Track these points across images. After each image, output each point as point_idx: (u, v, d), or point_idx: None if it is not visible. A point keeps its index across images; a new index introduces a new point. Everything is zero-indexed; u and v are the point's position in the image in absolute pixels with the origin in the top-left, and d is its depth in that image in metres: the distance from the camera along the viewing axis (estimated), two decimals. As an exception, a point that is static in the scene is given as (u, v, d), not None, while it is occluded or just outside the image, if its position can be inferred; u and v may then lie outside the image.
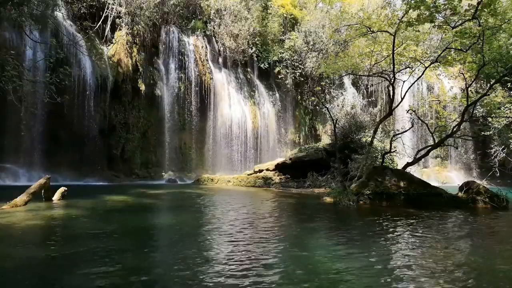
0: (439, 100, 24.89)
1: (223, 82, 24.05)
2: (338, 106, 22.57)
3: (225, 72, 24.66)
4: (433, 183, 13.26)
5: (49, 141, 16.66)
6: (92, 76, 18.09)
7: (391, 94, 13.79)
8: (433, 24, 11.89)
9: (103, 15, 19.39)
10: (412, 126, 14.70)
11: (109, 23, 19.77)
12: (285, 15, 27.33)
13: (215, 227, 6.54)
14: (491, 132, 20.23)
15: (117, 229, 6.05)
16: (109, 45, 19.98)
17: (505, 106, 17.99)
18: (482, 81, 19.21)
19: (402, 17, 11.66)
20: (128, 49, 20.31)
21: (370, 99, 27.67)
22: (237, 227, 6.35)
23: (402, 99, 13.59)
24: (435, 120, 19.32)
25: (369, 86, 29.11)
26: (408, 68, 14.37)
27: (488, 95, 14.07)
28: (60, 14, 17.78)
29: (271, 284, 3.40)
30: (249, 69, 26.60)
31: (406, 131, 14.46)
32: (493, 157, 22.06)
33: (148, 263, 4.08)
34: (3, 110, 14.89)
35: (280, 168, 18.26)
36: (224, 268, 3.88)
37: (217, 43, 24.63)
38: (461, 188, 10.48)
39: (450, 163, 27.77)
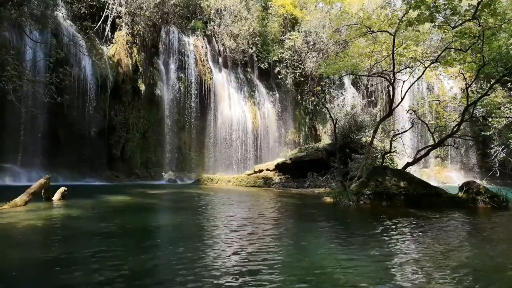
0: (439, 100, 24.88)
1: (223, 82, 24.05)
2: (338, 106, 22.58)
3: (225, 72, 24.66)
4: (433, 183, 13.27)
5: (49, 141, 16.65)
6: (92, 76, 18.09)
7: (391, 94, 13.79)
8: (433, 24, 11.90)
9: (103, 15, 19.40)
10: (412, 126, 14.70)
11: (109, 23, 19.78)
12: (285, 15, 27.33)
13: (215, 227, 6.54)
14: (491, 132, 20.26)
15: (117, 229, 6.05)
16: (109, 45, 19.99)
17: (505, 106, 18.01)
18: (482, 81, 19.20)
19: (402, 17, 11.67)
20: (128, 49, 20.32)
21: (370, 99, 27.67)
22: (237, 227, 6.35)
23: (402, 99, 13.59)
24: (435, 120, 19.31)
25: (369, 86, 29.11)
26: (408, 68, 14.38)
27: (488, 95, 14.08)
28: (60, 14, 17.79)
29: (271, 284, 3.40)
30: (249, 69, 26.60)
31: (406, 131, 14.47)
32: (493, 157, 22.07)
33: (148, 263, 4.08)
34: (3, 110, 14.90)
35: (280, 168, 18.27)
36: (224, 268, 3.88)
37: (217, 43, 24.64)
38: (461, 188, 10.47)
39: (450, 163, 27.76)
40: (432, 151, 15.18)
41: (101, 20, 19.35)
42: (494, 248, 5.18)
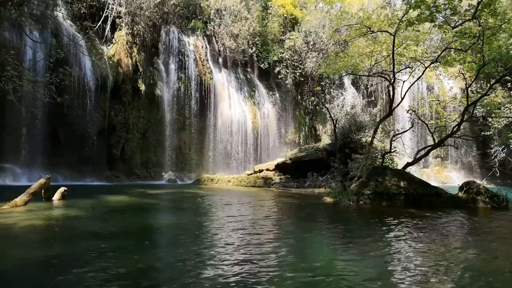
0: (439, 100, 24.88)
1: (223, 82, 24.05)
2: (338, 106, 22.56)
3: (225, 72, 24.66)
4: (433, 183, 13.26)
5: (49, 141, 16.65)
6: (92, 76, 18.08)
7: (391, 94, 13.79)
8: (433, 24, 11.90)
9: (103, 15, 19.39)
10: (412, 126, 14.70)
11: (109, 23, 19.77)
12: (285, 15, 27.33)
13: (215, 227, 6.54)
14: (491, 132, 20.27)
15: (117, 229, 6.05)
16: (109, 45, 19.98)
17: (505, 106, 18.02)
18: (482, 81, 19.21)
19: (402, 17, 11.67)
20: (128, 49, 20.31)
21: (370, 99, 27.66)
22: (238, 227, 6.35)
23: (402, 99, 13.59)
24: (435, 120, 19.32)
25: (369, 86, 29.11)
26: (408, 68, 14.38)
27: (488, 95, 14.08)
28: (60, 14, 17.78)
29: (271, 284, 3.40)
30: (249, 69, 26.60)
31: (406, 131, 14.47)
32: (493, 157, 22.07)
33: (148, 263, 4.08)
34: (3, 110, 14.89)
35: (280, 168, 18.27)
36: (224, 268, 3.88)
37: (217, 43, 24.64)
38: (461, 188, 10.47)
39: (450, 163, 27.76)
40: (432, 151, 15.19)
41: (101, 20, 19.34)
42: (495, 249, 5.18)
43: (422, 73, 13.95)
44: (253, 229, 6.24)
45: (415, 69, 14.57)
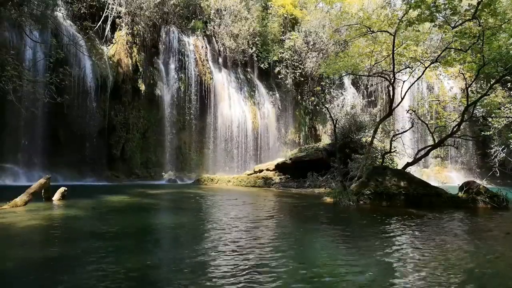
0: (439, 100, 24.88)
1: (223, 82, 24.05)
2: (338, 106, 22.57)
3: (225, 72, 24.66)
4: (433, 183, 13.26)
5: (49, 141, 16.65)
6: (92, 76, 18.09)
7: (391, 94, 13.79)
8: (433, 24, 11.90)
9: (103, 15, 19.39)
10: (412, 126, 14.69)
11: (109, 23, 19.77)
12: (285, 15, 27.33)
13: (215, 227, 6.54)
14: (491, 132, 20.29)
15: (117, 229, 6.04)
16: (109, 45, 19.98)
17: (505, 106, 18.03)
18: (482, 81, 19.22)
19: (402, 17, 11.67)
20: (128, 49, 20.31)
21: (370, 99, 27.66)
22: (238, 228, 6.34)
23: (402, 99, 13.59)
24: (435, 120, 19.32)
25: (369, 86, 29.11)
26: (408, 68, 14.38)
27: (488, 95, 14.09)
28: (60, 14, 17.78)
29: (271, 285, 3.40)
30: (249, 69, 26.60)
31: (406, 131, 14.47)
32: (493, 157, 22.09)
33: (148, 264, 4.08)
34: (3, 110, 14.89)
35: (280, 168, 18.27)
36: (224, 269, 3.88)
37: (217, 43, 24.64)
38: (461, 188, 10.47)
39: (450, 163, 27.76)
40: (432, 151, 15.18)
41: (101, 20, 19.34)
42: (495, 249, 5.18)
43: (422, 73, 13.95)
44: (253, 230, 6.24)
45: (415, 69, 14.56)
